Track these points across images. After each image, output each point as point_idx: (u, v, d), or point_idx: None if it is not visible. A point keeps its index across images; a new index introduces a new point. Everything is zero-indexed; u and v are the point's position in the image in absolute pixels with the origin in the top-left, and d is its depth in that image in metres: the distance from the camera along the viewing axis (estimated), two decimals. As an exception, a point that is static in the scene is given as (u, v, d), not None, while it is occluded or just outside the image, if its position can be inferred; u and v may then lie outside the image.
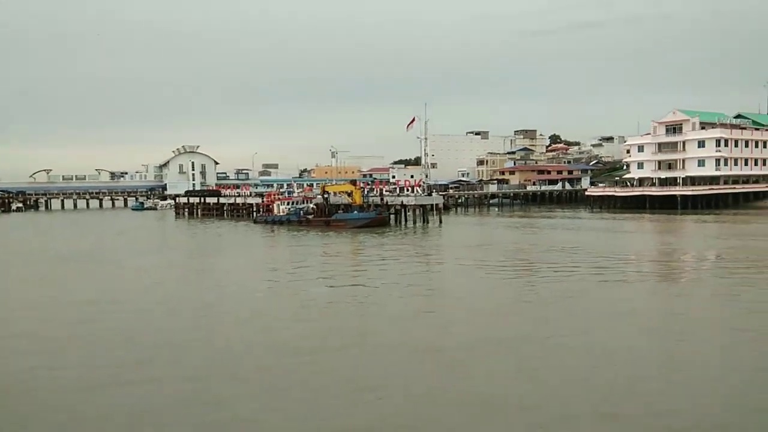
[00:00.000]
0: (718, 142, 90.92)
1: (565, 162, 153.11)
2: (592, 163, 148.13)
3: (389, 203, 74.09)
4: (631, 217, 75.16)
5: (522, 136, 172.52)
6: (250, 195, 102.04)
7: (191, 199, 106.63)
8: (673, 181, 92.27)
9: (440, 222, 68.95)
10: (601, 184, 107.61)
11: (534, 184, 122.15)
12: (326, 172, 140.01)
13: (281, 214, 76.02)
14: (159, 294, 29.01)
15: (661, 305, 24.92)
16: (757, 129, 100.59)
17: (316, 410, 13.95)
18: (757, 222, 64.22)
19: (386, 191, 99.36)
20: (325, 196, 73.26)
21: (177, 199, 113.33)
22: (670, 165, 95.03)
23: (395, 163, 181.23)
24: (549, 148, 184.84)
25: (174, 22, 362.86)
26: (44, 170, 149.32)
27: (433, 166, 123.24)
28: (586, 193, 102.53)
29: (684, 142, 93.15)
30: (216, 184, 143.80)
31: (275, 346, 19.19)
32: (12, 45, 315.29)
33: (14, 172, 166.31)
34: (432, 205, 72.28)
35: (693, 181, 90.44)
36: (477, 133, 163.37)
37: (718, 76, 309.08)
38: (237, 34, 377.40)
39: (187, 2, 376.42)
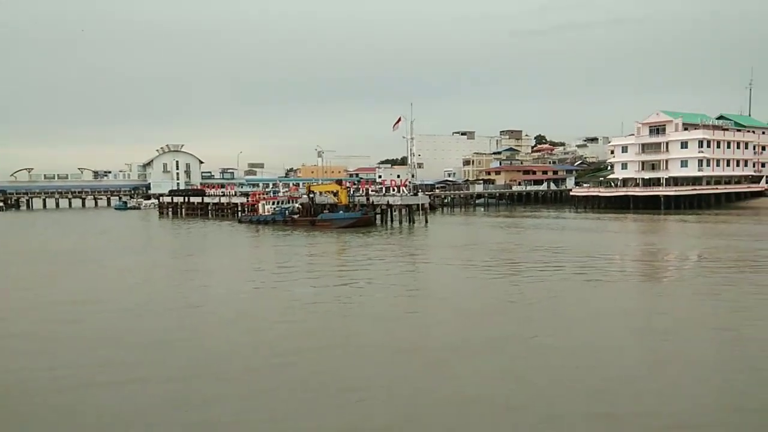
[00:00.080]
0: (700, 143, 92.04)
1: (550, 162, 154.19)
2: (576, 164, 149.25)
3: (375, 203, 74.08)
4: (615, 217, 75.79)
5: (508, 137, 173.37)
6: (236, 194, 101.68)
7: (175, 199, 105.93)
8: (656, 182, 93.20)
9: (426, 222, 68.91)
10: (585, 185, 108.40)
11: (519, 184, 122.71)
12: (312, 172, 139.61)
13: (266, 213, 75.59)
14: (143, 294, 28.65)
15: (645, 305, 25.12)
16: (738, 130, 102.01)
17: (300, 411, 13.89)
18: (738, 222, 65.04)
19: (372, 191, 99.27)
20: (311, 195, 72.98)
21: (161, 198, 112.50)
22: (654, 165, 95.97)
23: (382, 162, 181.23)
24: (534, 148, 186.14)
25: (169, 21, 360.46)
26: (26, 169, 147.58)
27: (420, 166, 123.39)
28: (571, 193, 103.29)
29: (667, 143, 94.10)
30: (201, 184, 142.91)
31: (260, 347, 19.06)
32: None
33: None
34: (418, 205, 72.16)
35: (676, 181, 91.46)
36: (463, 134, 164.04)
37: (701, 78, 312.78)
38: (223, 34, 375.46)
39: (186, 2, 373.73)
